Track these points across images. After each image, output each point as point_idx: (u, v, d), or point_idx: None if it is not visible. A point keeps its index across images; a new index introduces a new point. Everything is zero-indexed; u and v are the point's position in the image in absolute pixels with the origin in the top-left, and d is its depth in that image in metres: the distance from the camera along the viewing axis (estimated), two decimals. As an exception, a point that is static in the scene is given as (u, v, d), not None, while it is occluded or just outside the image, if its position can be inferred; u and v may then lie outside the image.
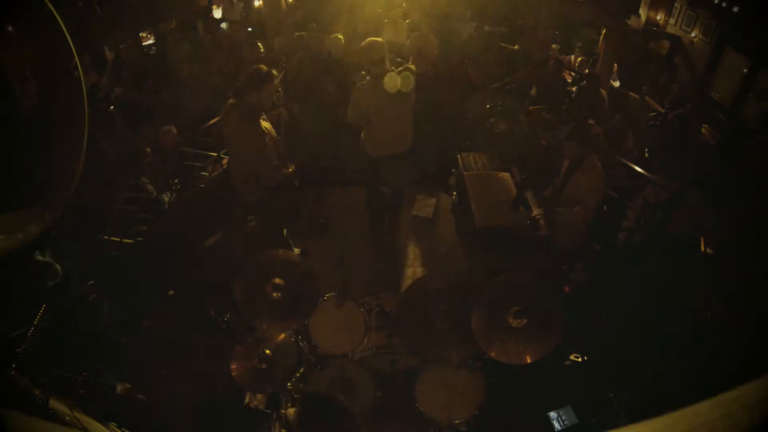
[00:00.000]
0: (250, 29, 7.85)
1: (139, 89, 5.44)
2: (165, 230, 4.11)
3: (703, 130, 5.98)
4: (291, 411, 2.66)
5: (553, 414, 2.60)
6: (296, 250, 3.38)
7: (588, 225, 3.49)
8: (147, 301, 3.56)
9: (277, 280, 2.54)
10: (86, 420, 1.84)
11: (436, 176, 5.07)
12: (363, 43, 3.53)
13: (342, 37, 5.41)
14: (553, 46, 6.91)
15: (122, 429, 2.11)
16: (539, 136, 4.84)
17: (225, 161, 4.74)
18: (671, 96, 5.94)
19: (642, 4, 7.22)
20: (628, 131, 4.80)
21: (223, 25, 7.95)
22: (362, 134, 3.80)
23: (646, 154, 5.10)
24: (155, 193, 4.37)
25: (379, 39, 3.54)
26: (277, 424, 2.65)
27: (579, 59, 6.97)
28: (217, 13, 8.48)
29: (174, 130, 4.60)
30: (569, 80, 6.49)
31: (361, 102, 3.57)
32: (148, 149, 4.39)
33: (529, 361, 2.28)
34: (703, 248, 3.60)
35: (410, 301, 2.69)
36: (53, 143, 1.34)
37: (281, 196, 3.68)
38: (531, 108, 5.26)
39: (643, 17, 7.45)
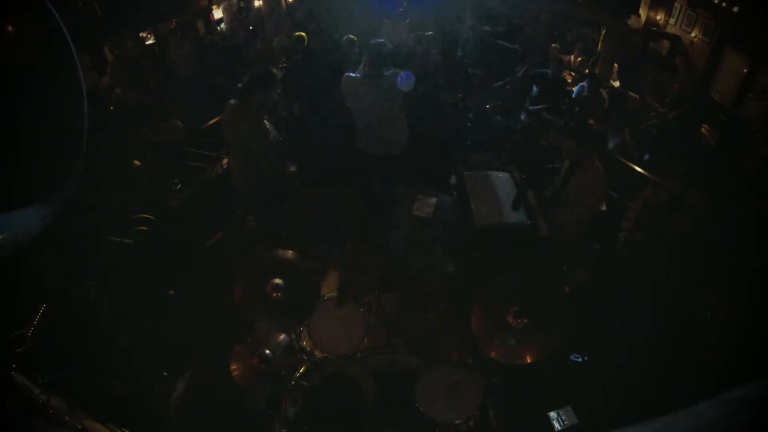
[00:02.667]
0: (251, 28, 7.86)
1: (139, 89, 5.44)
2: (165, 230, 4.11)
3: (703, 130, 5.98)
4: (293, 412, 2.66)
5: (553, 414, 2.60)
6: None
7: (588, 225, 3.49)
8: (147, 300, 3.56)
9: (277, 280, 2.54)
10: (86, 420, 1.84)
11: (436, 176, 5.06)
12: (372, 41, 3.57)
13: (355, 38, 5.40)
14: (553, 45, 6.91)
15: (122, 429, 2.11)
16: (539, 136, 4.84)
17: (225, 161, 4.75)
18: (671, 96, 5.95)
19: (642, 4, 7.22)
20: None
21: (222, 26, 7.96)
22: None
23: (646, 157, 5.10)
24: (155, 193, 4.37)
25: (383, 41, 3.57)
26: (277, 424, 2.65)
27: (579, 59, 6.97)
28: (218, 14, 8.49)
29: (179, 124, 4.60)
30: (569, 80, 6.50)
31: (345, 86, 3.64)
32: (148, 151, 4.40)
33: (529, 361, 2.28)
34: (702, 248, 3.60)
35: (410, 301, 2.70)
36: (53, 143, 1.34)
37: (282, 196, 3.69)
38: (531, 108, 5.26)
39: (643, 17, 7.45)
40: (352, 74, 3.64)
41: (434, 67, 5.14)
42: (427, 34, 5.40)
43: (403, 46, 5.54)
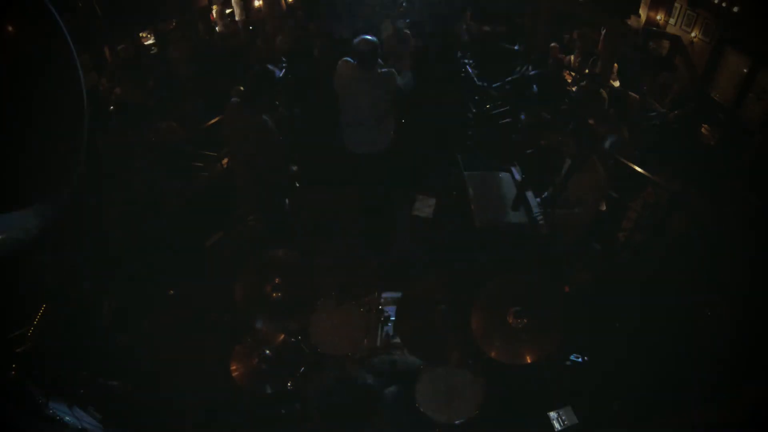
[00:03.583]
0: (251, 28, 7.86)
1: (138, 89, 5.44)
2: (165, 230, 4.11)
3: (703, 130, 5.98)
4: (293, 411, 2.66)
5: (553, 414, 2.60)
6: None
7: (588, 225, 3.49)
8: (147, 301, 3.56)
9: (277, 280, 2.54)
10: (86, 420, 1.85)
11: (436, 176, 5.07)
12: (356, 40, 3.56)
13: None
14: (553, 44, 6.90)
15: (122, 429, 2.11)
16: (539, 136, 4.84)
17: (225, 161, 4.75)
18: (671, 96, 5.95)
19: (642, 4, 7.22)
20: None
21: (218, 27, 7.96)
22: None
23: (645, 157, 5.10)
24: (155, 193, 4.37)
25: (371, 37, 3.55)
26: (277, 423, 2.65)
27: (579, 59, 6.97)
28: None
29: (175, 125, 4.60)
30: (569, 80, 6.49)
31: (339, 77, 3.62)
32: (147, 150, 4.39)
33: (529, 361, 2.28)
34: (702, 248, 3.60)
35: (410, 301, 2.69)
36: (53, 144, 1.34)
37: (282, 196, 3.69)
38: (531, 108, 5.25)
39: (643, 17, 7.45)
40: (350, 59, 3.62)
41: (425, 64, 5.14)
42: (405, 30, 5.41)
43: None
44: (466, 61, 6.00)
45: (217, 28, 7.96)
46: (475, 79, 5.72)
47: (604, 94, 5.33)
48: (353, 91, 3.61)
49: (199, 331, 3.38)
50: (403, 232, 4.51)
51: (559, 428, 2.56)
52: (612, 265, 4.05)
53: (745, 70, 6.04)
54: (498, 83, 5.79)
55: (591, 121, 4.21)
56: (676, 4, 7.02)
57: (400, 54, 5.12)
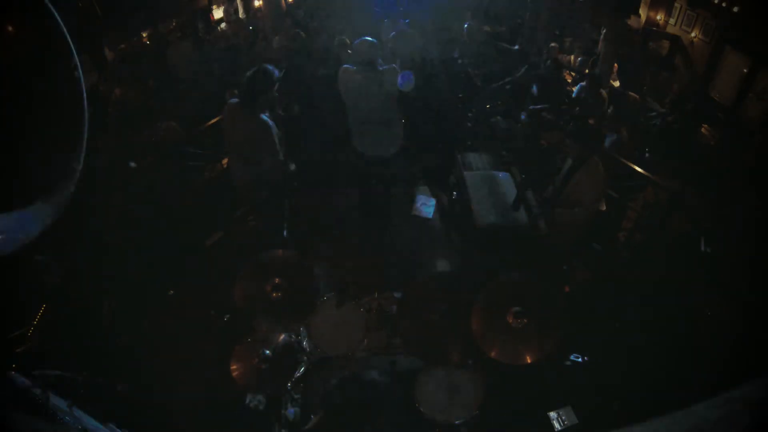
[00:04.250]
0: (251, 28, 7.87)
1: (138, 90, 5.44)
2: (165, 230, 4.11)
3: (703, 130, 5.99)
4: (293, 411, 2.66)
5: (553, 414, 2.60)
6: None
7: (588, 225, 3.49)
8: (147, 300, 3.56)
9: (277, 280, 2.54)
10: (86, 420, 1.85)
11: (436, 176, 5.07)
12: (356, 42, 3.56)
13: (348, 40, 5.40)
14: (553, 44, 6.91)
15: (122, 429, 2.11)
16: (539, 136, 4.84)
17: (225, 161, 4.74)
18: (671, 96, 5.95)
19: (642, 4, 7.23)
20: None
21: (223, 25, 7.97)
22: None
23: (647, 155, 5.11)
24: (155, 193, 4.36)
25: (371, 39, 3.56)
26: (277, 424, 2.65)
27: (579, 59, 6.97)
28: (217, 13, 8.50)
29: (174, 125, 4.59)
30: (569, 80, 6.50)
31: (342, 81, 3.63)
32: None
33: (529, 361, 2.28)
34: (702, 248, 3.60)
35: (410, 301, 2.69)
36: (53, 143, 1.34)
37: (282, 196, 3.69)
38: (531, 108, 5.26)
39: (643, 17, 7.45)
40: (349, 66, 3.63)
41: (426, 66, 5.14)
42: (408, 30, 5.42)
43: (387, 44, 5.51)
44: (466, 61, 6.00)
45: (221, 27, 7.96)
46: (475, 79, 5.71)
47: (604, 94, 5.34)
48: (358, 93, 3.61)
49: (199, 331, 3.38)
50: (403, 232, 4.51)
51: (559, 428, 2.56)
52: (612, 265, 4.06)
53: (745, 70, 6.05)
54: (498, 83, 5.78)
55: (591, 121, 4.21)
56: (676, 4, 7.03)
57: (401, 54, 5.11)
